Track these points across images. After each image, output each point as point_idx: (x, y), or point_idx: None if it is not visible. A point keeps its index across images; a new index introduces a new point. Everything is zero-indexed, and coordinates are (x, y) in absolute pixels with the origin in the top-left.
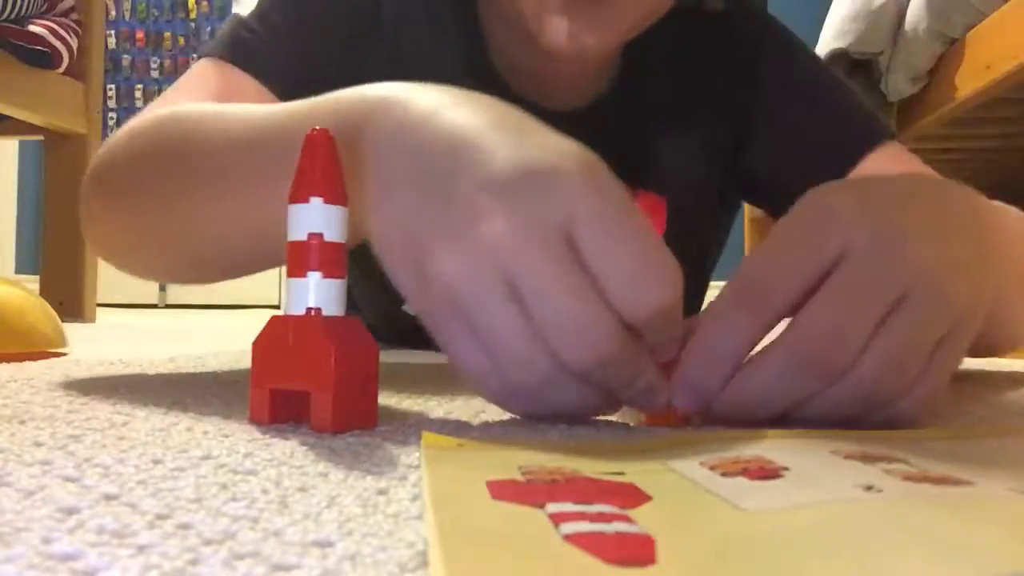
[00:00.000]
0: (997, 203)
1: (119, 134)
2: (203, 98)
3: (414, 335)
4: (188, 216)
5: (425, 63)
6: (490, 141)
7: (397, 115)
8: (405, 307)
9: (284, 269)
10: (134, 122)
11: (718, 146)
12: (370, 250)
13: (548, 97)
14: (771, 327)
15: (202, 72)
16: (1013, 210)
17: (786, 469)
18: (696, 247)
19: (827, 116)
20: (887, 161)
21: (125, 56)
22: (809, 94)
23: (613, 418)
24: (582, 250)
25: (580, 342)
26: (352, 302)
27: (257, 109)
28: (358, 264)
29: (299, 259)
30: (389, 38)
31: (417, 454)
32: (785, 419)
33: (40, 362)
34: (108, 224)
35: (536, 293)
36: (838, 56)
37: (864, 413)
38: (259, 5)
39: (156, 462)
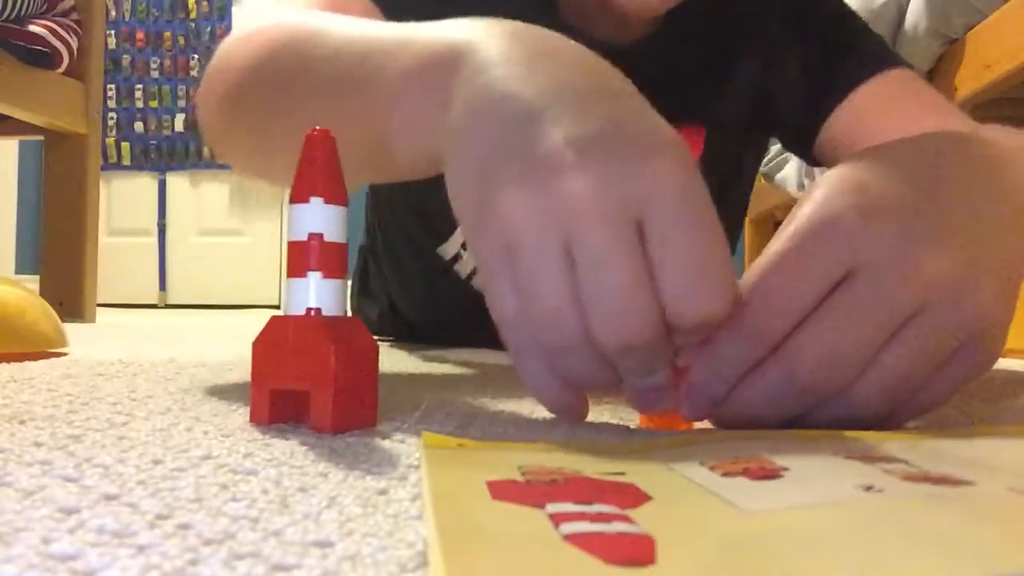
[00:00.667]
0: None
1: (233, 44)
2: (313, 8)
3: (454, 314)
4: (307, 119)
5: None
6: (589, 101)
7: (496, 54)
8: (439, 249)
9: (284, 269)
10: (247, 32)
11: (752, 84)
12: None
13: (597, 30)
14: (776, 347)
15: None
16: None
17: (786, 469)
18: (725, 184)
19: (840, 43)
20: (896, 86)
21: (125, 56)
22: (830, 26)
23: (611, 420)
24: (649, 236)
25: (617, 324)
26: (388, 298)
27: (368, 26)
28: (416, 213)
29: (299, 259)
30: None
31: (417, 454)
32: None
33: (40, 362)
34: (230, 127)
35: (590, 262)
36: None
37: (858, 426)
38: None
39: (156, 462)
